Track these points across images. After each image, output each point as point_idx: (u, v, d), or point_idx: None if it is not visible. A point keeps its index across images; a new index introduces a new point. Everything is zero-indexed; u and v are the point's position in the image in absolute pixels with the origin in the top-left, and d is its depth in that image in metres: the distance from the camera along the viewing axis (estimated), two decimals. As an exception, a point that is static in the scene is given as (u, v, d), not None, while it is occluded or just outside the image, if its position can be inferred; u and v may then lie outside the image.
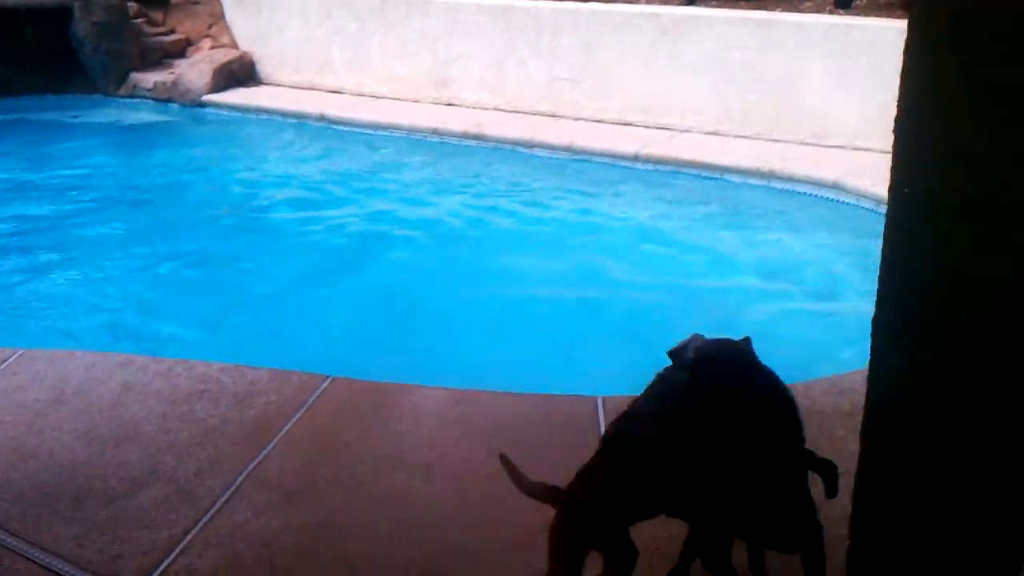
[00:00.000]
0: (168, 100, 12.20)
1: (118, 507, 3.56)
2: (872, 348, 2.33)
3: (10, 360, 4.74)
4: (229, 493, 3.66)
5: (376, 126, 10.82)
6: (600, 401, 4.25)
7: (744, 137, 9.59)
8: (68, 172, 10.14)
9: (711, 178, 8.90)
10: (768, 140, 9.46)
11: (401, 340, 6.05)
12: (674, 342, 2.69)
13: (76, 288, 7.27)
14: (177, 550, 3.33)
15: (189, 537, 3.40)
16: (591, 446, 3.82)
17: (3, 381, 4.53)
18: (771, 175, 8.65)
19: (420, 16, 11.30)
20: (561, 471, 2.89)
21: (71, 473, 3.79)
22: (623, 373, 5.56)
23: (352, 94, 11.87)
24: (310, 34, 12.20)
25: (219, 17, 12.94)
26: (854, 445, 2.48)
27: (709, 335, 2.66)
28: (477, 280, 7.07)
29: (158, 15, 13.30)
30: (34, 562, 3.26)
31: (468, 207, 8.66)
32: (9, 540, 3.37)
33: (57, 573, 3.21)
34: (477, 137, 10.17)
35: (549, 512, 2.73)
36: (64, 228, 8.51)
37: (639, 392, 2.76)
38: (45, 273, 7.47)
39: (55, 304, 6.92)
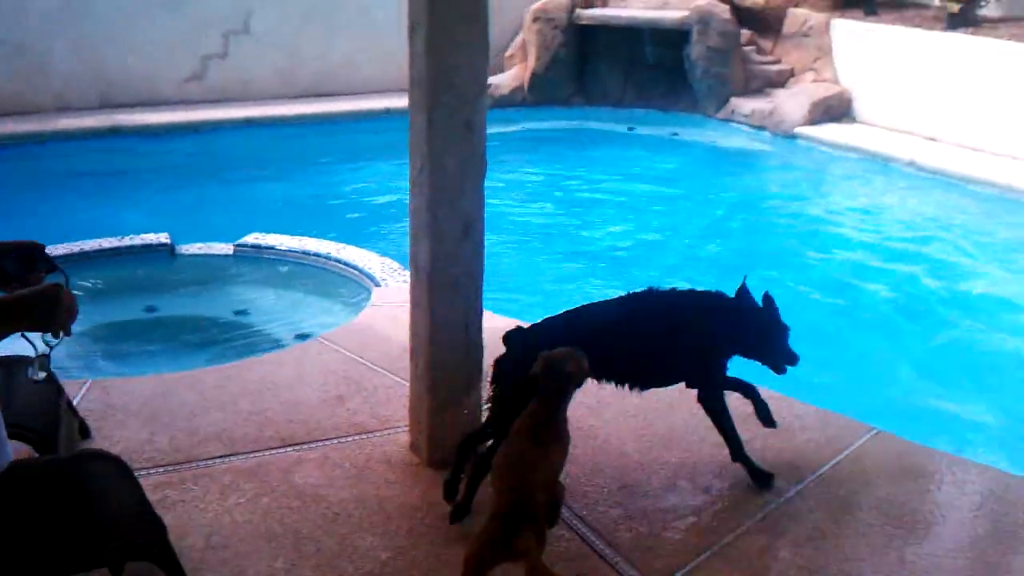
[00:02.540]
0: (761, 127, 12.60)
1: (655, 504, 3.87)
2: None
3: (585, 348, 5.29)
4: (757, 517, 3.81)
5: (968, 179, 10.32)
6: None
7: None
8: (663, 185, 10.93)
9: None
10: None
11: (956, 408, 5.81)
12: None
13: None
14: (698, 559, 3.55)
15: (712, 549, 3.61)
16: None
17: (577, 366, 5.08)
18: None
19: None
20: None
21: (622, 463, 4.18)
22: None
23: (948, 143, 11.39)
24: (913, 77, 11.91)
25: (827, 51, 13.07)
26: None
27: None
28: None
29: (768, 44, 13.75)
30: (575, 532, 3.67)
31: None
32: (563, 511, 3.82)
33: (593, 548, 3.58)
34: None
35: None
36: (646, 234, 9.24)
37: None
38: (619, 270, 8.23)
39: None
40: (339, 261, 6.79)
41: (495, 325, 5.19)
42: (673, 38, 13.47)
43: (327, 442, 4.32)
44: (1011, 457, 5.14)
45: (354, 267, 6.65)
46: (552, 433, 3.17)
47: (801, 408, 4.65)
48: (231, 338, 6.22)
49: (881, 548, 3.66)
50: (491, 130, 12.34)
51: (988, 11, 12.38)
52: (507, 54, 14.38)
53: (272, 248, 7.12)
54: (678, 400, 4.65)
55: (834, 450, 4.29)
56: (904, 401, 5.92)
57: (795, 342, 3.99)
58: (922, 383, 6.31)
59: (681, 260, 8.58)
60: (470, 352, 4.03)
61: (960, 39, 11.61)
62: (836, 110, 12.57)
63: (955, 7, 12.07)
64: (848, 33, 12.85)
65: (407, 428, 4.29)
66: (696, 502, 3.90)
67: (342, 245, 7.06)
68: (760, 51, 13.69)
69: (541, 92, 13.95)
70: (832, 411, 4.61)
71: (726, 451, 4.25)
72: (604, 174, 11.33)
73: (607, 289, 7.84)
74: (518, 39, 14.31)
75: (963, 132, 11.31)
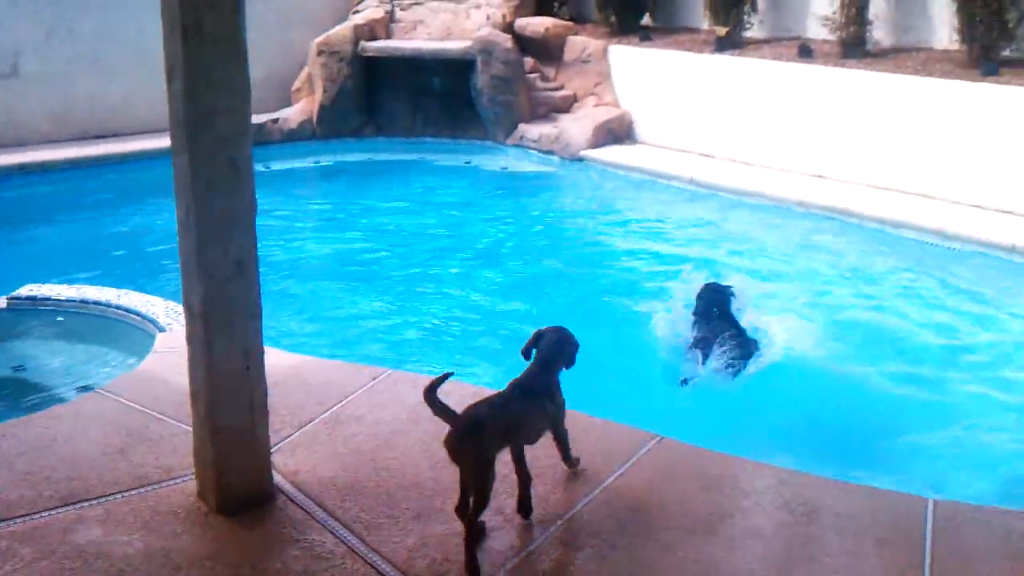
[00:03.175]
0: (550, 152, 12.95)
1: (452, 528, 3.88)
2: None
3: (380, 378, 5.28)
4: (550, 532, 3.89)
5: (742, 192, 10.91)
6: (931, 504, 4.09)
7: None
8: (456, 211, 11.09)
9: None
10: None
11: (734, 413, 6.10)
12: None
13: (440, 315, 8.00)
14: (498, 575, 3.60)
15: (508, 566, 3.66)
16: (914, 549, 3.73)
17: (371, 397, 5.06)
18: None
19: (794, 87, 11.30)
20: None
21: (416, 490, 4.18)
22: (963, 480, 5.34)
23: (723, 159, 12.01)
24: (687, 98, 12.51)
25: (606, 76, 13.56)
26: None
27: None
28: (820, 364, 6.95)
29: (551, 71, 14.15)
30: (371, 565, 3.65)
31: (823, 282, 8.53)
32: (354, 541, 3.80)
33: (389, 578, 3.58)
34: (844, 212, 9.98)
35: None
36: (444, 260, 9.34)
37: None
38: (419, 298, 8.28)
39: (423, 329, 7.63)
40: (120, 308, 6.53)
41: (283, 363, 5.16)
42: (459, 68, 13.69)
43: (110, 497, 4.14)
44: (793, 455, 5.42)
45: (137, 313, 6.41)
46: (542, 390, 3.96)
47: (585, 421, 4.78)
48: (7, 396, 5.91)
49: (673, 551, 3.79)
50: (280, 165, 12.26)
51: (752, 33, 13.13)
52: (294, 88, 14.25)
53: (48, 299, 6.78)
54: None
55: (620, 459, 4.42)
56: (686, 407, 6.17)
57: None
58: (703, 388, 6.58)
59: (474, 283, 8.71)
60: (253, 393, 3.96)
61: (727, 60, 12.28)
62: (619, 132, 13.05)
63: (722, 31, 12.74)
64: (625, 58, 13.38)
65: (194, 476, 4.17)
66: (491, 523, 3.94)
67: (123, 291, 6.79)
68: (544, 78, 14.07)
69: (330, 125, 13.90)
70: (615, 422, 4.76)
71: (518, 470, 4.34)
72: (397, 203, 11.40)
73: (404, 316, 7.88)
74: (304, 72, 14.22)
75: (735, 148, 11.97)
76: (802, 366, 6.80)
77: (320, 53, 13.84)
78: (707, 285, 7.10)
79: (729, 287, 7.09)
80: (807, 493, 4.20)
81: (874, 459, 5.70)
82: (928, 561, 3.69)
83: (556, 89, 13.96)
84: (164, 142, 3.87)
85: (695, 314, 6.93)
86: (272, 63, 13.97)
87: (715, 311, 6.88)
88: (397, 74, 14.09)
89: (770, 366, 6.66)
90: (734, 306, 6.97)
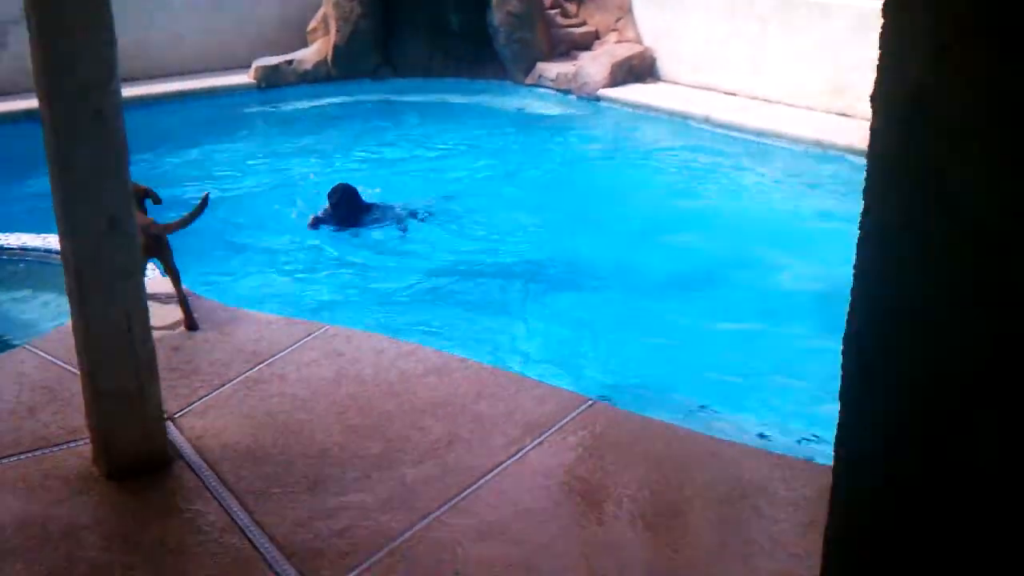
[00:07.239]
0: (567, 91, 12.54)
1: (341, 501, 3.65)
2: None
3: (315, 334, 5.04)
4: (449, 506, 3.65)
5: (759, 133, 10.44)
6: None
7: None
8: (463, 153, 10.80)
9: None
10: None
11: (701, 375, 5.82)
12: None
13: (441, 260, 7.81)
14: (379, 554, 3.36)
15: (394, 544, 3.42)
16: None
17: (300, 355, 4.83)
18: None
19: (823, 19, 10.71)
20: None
21: (320, 458, 3.95)
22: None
23: (746, 97, 11.50)
24: (711, 33, 11.98)
25: (627, 11, 13.07)
26: None
27: None
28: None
29: (572, 6, 13.68)
30: (249, 540, 3.43)
31: (834, 230, 8.10)
32: (238, 512, 3.58)
33: (263, 554, 3.36)
34: (862, 153, 9.47)
35: None
36: (447, 204, 9.08)
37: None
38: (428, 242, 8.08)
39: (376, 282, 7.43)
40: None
41: (218, 317, 4.98)
42: (476, 4, 13.27)
43: (4, 460, 3.98)
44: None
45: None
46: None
47: (524, 383, 4.53)
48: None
49: (568, 529, 3.55)
50: (295, 105, 11.97)
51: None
52: (309, 28, 13.96)
53: (13, 248, 6.66)
54: (400, 387, 4.49)
55: (549, 422, 4.15)
56: (696, 366, 5.92)
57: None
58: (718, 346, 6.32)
59: (491, 225, 8.45)
60: (138, 353, 3.74)
61: (752, -7, 11.72)
62: (639, 70, 12.58)
63: (748, -38, 12.15)
64: (647, -8, 12.87)
65: (91, 439, 3.99)
66: (387, 495, 3.71)
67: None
68: (565, 14, 13.62)
69: (346, 65, 13.60)
70: (556, 386, 4.51)
71: (432, 436, 4.10)
72: (412, 144, 11.14)
73: (412, 260, 7.69)
74: (320, 12, 13.91)
75: (759, 86, 11.44)
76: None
77: (335, -8, 13.52)
78: (339, 185, 8.24)
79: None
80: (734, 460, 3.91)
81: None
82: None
83: (578, 25, 13.51)
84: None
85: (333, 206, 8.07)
86: (287, 4, 13.72)
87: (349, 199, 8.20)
88: (413, 12, 13.72)
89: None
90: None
